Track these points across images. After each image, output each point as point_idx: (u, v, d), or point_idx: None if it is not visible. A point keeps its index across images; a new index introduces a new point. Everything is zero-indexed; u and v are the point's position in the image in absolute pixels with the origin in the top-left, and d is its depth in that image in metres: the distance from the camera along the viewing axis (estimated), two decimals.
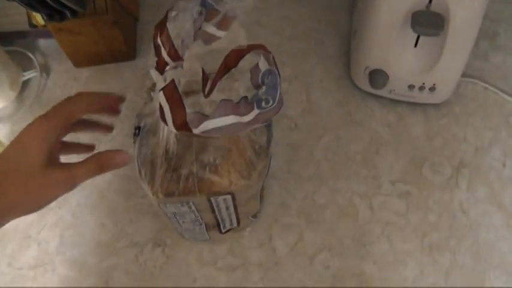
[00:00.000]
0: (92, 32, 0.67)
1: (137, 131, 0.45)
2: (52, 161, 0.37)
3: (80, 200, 0.63)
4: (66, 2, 0.58)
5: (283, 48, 0.73)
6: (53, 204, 0.59)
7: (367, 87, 0.66)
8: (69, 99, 0.38)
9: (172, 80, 0.36)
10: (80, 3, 0.62)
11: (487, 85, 0.71)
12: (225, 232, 0.55)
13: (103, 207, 0.63)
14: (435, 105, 0.69)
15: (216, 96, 0.38)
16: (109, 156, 0.39)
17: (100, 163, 0.38)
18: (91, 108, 0.40)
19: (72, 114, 0.38)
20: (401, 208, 0.62)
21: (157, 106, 0.37)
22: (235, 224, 0.54)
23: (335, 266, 0.59)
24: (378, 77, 0.63)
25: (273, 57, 0.38)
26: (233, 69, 0.37)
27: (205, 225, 0.52)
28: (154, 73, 0.39)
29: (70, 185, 0.37)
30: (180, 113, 0.36)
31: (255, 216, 0.56)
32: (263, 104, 0.36)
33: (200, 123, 0.36)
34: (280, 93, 0.36)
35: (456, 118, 0.69)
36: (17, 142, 0.37)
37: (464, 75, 0.70)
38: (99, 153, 0.39)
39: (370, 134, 0.66)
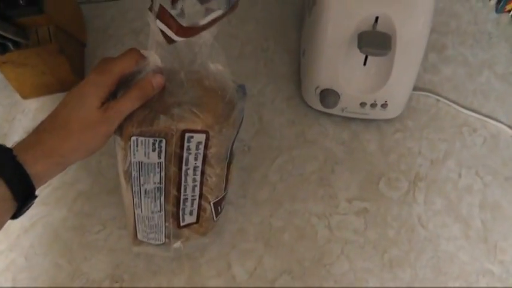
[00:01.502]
0: (38, 63, 0.70)
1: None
2: (104, 106, 0.48)
3: (33, 241, 0.66)
4: (6, 34, 0.62)
5: (232, 69, 0.78)
6: (4, 246, 0.62)
7: (319, 107, 0.71)
8: (120, 56, 0.49)
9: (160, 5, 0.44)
10: (21, 34, 0.66)
11: (438, 97, 0.78)
12: (184, 227, 0.58)
13: (57, 246, 0.66)
14: (389, 120, 0.75)
15: None
16: (147, 82, 0.49)
17: (142, 91, 0.49)
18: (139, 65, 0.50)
19: (122, 70, 0.49)
20: (359, 226, 0.67)
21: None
22: (194, 216, 0.57)
23: None
24: (329, 96, 0.69)
25: None
26: None
27: (165, 211, 0.55)
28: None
29: (120, 118, 0.49)
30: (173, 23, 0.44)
31: (216, 209, 0.59)
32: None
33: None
34: None
35: (410, 132, 0.75)
36: (76, 92, 0.48)
37: (415, 88, 0.77)
38: (138, 82, 0.49)
39: (324, 153, 0.72)
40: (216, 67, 0.52)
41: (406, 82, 0.69)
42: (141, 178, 0.53)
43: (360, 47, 0.61)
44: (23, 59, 0.69)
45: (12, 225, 0.64)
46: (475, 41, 0.84)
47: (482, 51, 0.83)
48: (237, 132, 0.55)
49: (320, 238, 0.66)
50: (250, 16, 0.84)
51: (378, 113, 0.71)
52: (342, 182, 0.70)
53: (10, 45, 0.65)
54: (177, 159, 0.52)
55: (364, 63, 0.66)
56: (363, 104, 0.69)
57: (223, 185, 0.58)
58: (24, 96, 0.77)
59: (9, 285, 0.63)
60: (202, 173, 0.54)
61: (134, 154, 0.51)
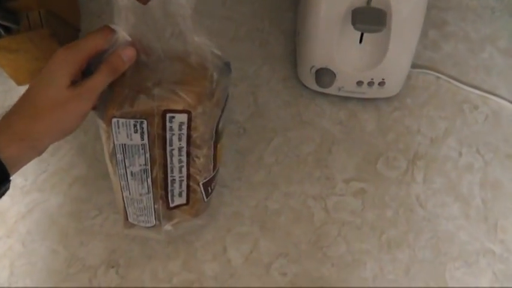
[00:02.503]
0: (30, 48, 0.71)
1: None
2: (74, 83, 0.47)
3: (30, 227, 0.68)
4: None
5: (227, 51, 0.78)
6: (1, 233, 0.64)
7: (315, 87, 0.72)
8: (90, 33, 0.49)
9: None
10: (11, 18, 0.66)
11: (439, 74, 0.78)
12: (173, 208, 0.59)
13: (54, 232, 0.67)
14: (387, 99, 0.75)
15: None
16: (117, 56, 0.49)
17: (112, 66, 0.49)
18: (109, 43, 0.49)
19: (92, 47, 0.49)
20: (357, 207, 0.68)
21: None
22: (184, 197, 0.58)
23: (292, 272, 0.64)
24: (324, 76, 0.69)
25: None
26: None
27: (153, 194, 0.57)
28: None
29: (93, 95, 0.48)
30: None
31: (206, 190, 0.60)
32: None
33: None
34: None
35: (409, 110, 0.75)
36: (44, 70, 0.48)
37: (415, 66, 0.77)
38: (108, 57, 0.49)
39: (321, 134, 0.73)
40: (199, 41, 0.52)
41: (403, 59, 0.69)
42: (126, 160, 0.54)
43: (353, 23, 0.61)
44: (15, 44, 0.70)
45: (10, 212, 0.66)
46: (477, 16, 0.83)
47: (485, 26, 0.82)
48: (222, 111, 0.56)
49: (316, 220, 0.67)
50: None
51: (375, 92, 0.71)
52: (339, 162, 0.70)
53: (1, 31, 0.66)
54: (161, 141, 0.53)
55: (360, 41, 0.66)
56: (359, 83, 0.70)
57: (212, 166, 0.58)
58: (19, 83, 0.78)
59: (7, 272, 0.65)
60: (188, 153, 0.55)
61: (117, 136, 0.52)
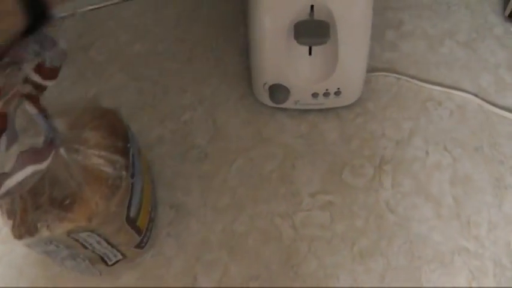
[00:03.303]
0: None
1: None
2: None
3: None
4: None
5: (182, 74, 0.81)
6: None
7: (271, 103, 0.73)
8: None
9: None
10: None
11: (399, 75, 0.80)
12: (113, 264, 0.61)
13: (23, 283, 0.68)
14: (348, 106, 0.77)
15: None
16: None
17: None
18: None
19: None
20: (325, 220, 0.69)
21: None
22: (120, 257, 0.60)
23: None
24: (277, 91, 0.70)
25: (38, 98, 0.45)
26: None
27: (89, 260, 0.58)
28: None
29: None
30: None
31: (139, 247, 0.62)
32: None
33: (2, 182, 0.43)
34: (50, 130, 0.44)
35: (371, 115, 0.77)
36: None
37: (373, 69, 0.79)
38: None
39: (283, 149, 0.74)
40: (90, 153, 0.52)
41: (356, 66, 0.71)
42: (53, 255, 0.57)
43: (296, 38, 0.62)
44: None
45: None
46: (434, 13, 0.85)
47: (442, 21, 0.84)
48: (131, 196, 0.56)
49: (285, 238, 0.67)
50: (197, 17, 0.86)
51: (333, 101, 0.73)
52: (303, 177, 0.71)
53: None
54: (79, 245, 0.55)
55: (310, 53, 0.68)
56: (315, 95, 0.71)
57: (137, 235, 0.60)
58: None
59: None
60: (107, 241, 0.56)
61: (34, 248, 0.54)
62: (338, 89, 0.71)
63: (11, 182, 0.45)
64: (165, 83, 0.80)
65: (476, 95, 0.78)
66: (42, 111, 0.46)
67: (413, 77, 0.79)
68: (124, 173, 0.54)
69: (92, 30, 0.86)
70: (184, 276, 0.66)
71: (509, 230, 0.68)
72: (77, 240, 0.54)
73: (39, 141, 0.45)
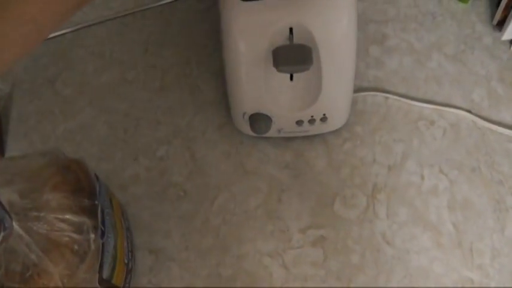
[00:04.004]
0: None
1: None
2: None
3: None
4: None
5: (155, 104, 0.77)
6: None
7: (252, 133, 0.70)
8: None
9: None
10: None
11: (387, 94, 0.77)
12: None
13: None
14: (335, 131, 0.74)
15: None
16: None
17: None
18: None
19: None
20: (318, 257, 0.66)
21: None
22: None
23: None
24: (258, 121, 0.67)
25: None
26: None
27: None
28: None
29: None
30: None
31: None
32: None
33: None
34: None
35: (360, 139, 0.74)
36: None
37: (359, 89, 0.76)
38: None
39: (268, 182, 0.71)
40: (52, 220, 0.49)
41: (342, 90, 0.68)
42: None
43: (275, 65, 0.59)
44: None
45: None
46: (419, 24, 0.83)
47: (428, 34, 0.82)
48: (102, 257, 0.52)
49: (276, 279, 0.65)
50: (167, 39, 0.83)
51: (319, 128, 0.70)
52: (291, 211, 0.68)
53: None
54: None
55: (291, 79, 0.65)
56: (299, 122, 0.68)
57: None
58: None
59: None
60: None
61: None
62: (324, 115, 0.68)
63: None
64: (137, 115, 0.77)
65: (469, 111, 0.76)
66: None
67: (402, 96, 0.77)
68: (92, 235, 0.51)
69: (57, 60, 0.83)
70: None
71: None
72: None
73: None
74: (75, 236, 0.50)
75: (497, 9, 0.80)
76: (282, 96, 0.66)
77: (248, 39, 0.62)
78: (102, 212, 0.53)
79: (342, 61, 0.64)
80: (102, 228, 0.52)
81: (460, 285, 0.64)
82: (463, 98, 0.77)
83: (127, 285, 0.60)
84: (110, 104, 0.78)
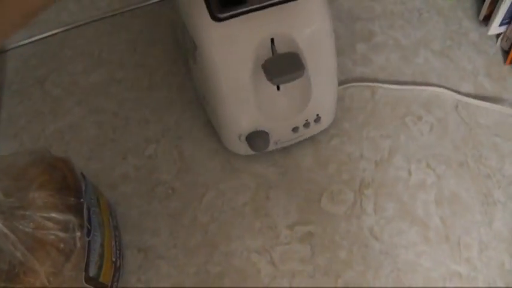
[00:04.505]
0: None
1: None
2: None
3: None
4: None
5: (143, 103, 0.76)
6: None
7: (251, 152, 0.69)
8: None
9: None
10: None
11: (373, 89, 0.76)
12: None
13: None
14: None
15: None
16: None
17: None
18: None
19: None
20: (305, 253, 0.65)
21: None
22: None
23: None
24: (257, 139, 0.65)
25: None
26: None
27: None
28: None
29: None
30: None
31: None
32: None
33: None
34: None
35: (348, 135, 0.73)
36: None
37: (346, 85, 0.75)
38: None
39: (255, 180, 0.70)
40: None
41: (330, 87, 0.67)
42: None
43: (270, 79, 0.56)
44: None
45: None
46: (405, 21, 0.82)
47: (415, 30, 0.81)
48: (88, 256, 0.52)
49: (264, 276, 0.64)
50: (155, 38, 0.83)
51: (313, 129, 0.69)
52: (279, 208, 0.67)
53: None
54: None
55: (278, 88, 0.63)
56: (295, 129, 0.67)
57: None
58: None
59: None
60: None
61: None
62: (317, 115, 0.67)
63: None
64: (126, 115, 0.76)
65: (456, 107, 0.74)
66: None
67: (389, 91, 0.75)
68: (78, 233, 0.50)
69: (47, 60, 0.82)
70: None
71: (502, 249, 0.65)
72: None
73: None
74: (60, 234, 0.49)
75: (483, 4, 0.79)
76: (275, 108, 0.64)
77: (230, 63, 0.59)
78: (88, 210, 0.52)
79: (326, 58, 0.63)
80: (88, 226, 0.51)
81: (448, 280, 0.63)
82: (450, 93, 0.76)
83: (115, 283, 0.59)
84: (99, 104, 0.78)
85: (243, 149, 0.68)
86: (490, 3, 0.77)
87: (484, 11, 0.80)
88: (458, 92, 0.75)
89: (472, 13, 0.82)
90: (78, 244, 0.49)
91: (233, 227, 0.67)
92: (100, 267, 0.54)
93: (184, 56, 0.74)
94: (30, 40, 0.84)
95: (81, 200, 0.51)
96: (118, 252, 0.61)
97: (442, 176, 0.70)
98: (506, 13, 0.75)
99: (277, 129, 0.66)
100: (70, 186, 0.52)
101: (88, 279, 0.52)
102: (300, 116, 0.66)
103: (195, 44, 0.58)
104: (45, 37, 0.84)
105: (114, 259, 0.58)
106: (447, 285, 0.63)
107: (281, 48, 0.58)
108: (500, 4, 0.74)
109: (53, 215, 0.49)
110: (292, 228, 0.66)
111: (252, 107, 0.62)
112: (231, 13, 0.56)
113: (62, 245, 0.48)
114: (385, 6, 0.83)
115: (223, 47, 0.57)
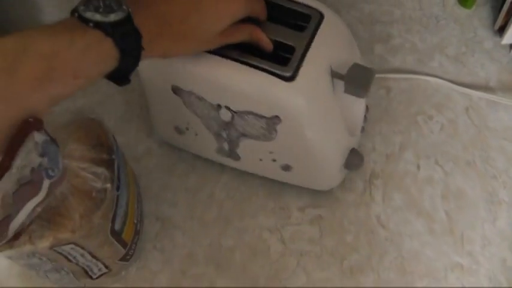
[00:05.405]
0: None
1: None
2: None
3: None
4: None
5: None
6: None
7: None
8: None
9: None
10: None
11: (388, 88, 0.76)
12: (98, 278, 0.57)
13: None
14: None
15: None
16: (259, 34, 0.52)
17: (251, 36, 0.52)
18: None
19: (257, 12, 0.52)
20: (314, 235, 0.65)
21: None
22: (104, 270, 0.56)
23: None
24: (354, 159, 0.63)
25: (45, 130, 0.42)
26: None
27: (73, 273, 0.54)
28: None
29: (221, 43, 0.51)
30: None
31: (124, 259, 0.58)
32: (50, 172, 0.41)
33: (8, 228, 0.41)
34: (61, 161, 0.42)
35: None
36: (218, 4, 0.48)
37: None
38: (253, 28, 0.52)
39: None
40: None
41: None
42: (37, 268, 0.53)
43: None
44: None
45: None
46: (422, 27, 0.82)
47: (431, 36, 0.81)
48: (116, 209, 0.53)
49: (273, 253, 0.63)
50: None
51: None
52: (292, 191, 0.68)
53: None
54: (63, 258, 0.52)
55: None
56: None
57: (121, 249, 0.57)
58: None
59: None
60: (91, 253, 0.53)
61: (16, 261, 0.51)
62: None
63: (16, 222, 0.42)
64: None
65: (467, 109, 0.74)
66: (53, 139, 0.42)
67: (403, 91, 0.75)
68: (109, 185, 0.51)
69: None
70: None
71: (505, 246, 0.64)
72: (60, 253, 0.51)
73: (26, 172, 0.41)
74: (93, 184, 0.50)
75: (499, 14, 0.79)
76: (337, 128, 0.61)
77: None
78: (118, 168, 0.53)
79: None
80: (118, 182, 0.52)
81: (449, 270, 0.63)
82: (461, 96, 0.76)
83: (134, 245, 0.59)
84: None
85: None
86: (506, 14, 0.77)
87: (500, 21, 0.79)
88: (470, 96, 0.74)
89: (488, 23, 0.82)
90: (108, 196, 0.50)
91: (247, 205, 0.67)
92: (123, 224, 0.55)
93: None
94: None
95: (113, 156, 0.52)
96: (139, 216, 0.61)
97: (450, 173, 0.69)
98: None
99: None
100: (103, 144, 0.53)
101: (113, 232, 0.53)
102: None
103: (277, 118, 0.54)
104: None
105: (135, 221, 0.59)
106: (448, 275, 0.62)
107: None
108: None
109: (88, 166, 0.50)
110: (303, 210, 0.66)
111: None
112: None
113: (94, 194, 0.50)
114: (404, 11, 0.83)
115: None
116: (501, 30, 0.79)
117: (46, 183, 0.41)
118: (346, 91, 0.54)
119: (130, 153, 0.70)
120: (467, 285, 0.62)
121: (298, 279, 0.62)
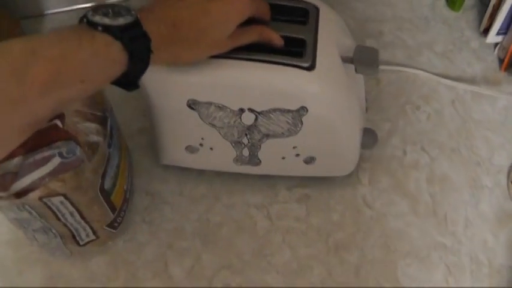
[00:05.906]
0: None
1: None
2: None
3: None
4: None
5: None
6: None
7: None
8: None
9: None
10: None
11: (378, 79, 0.77)
12: (85, 244, 0.56)
13: None
14: None
15: None
16: (269, 32, 0.51)
17: (261, 36, 0.51)
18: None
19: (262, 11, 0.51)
20: (301, 213, 0.64)
21: None
22: (92, 236, 0.56)
23: (236, 283, 0.60)
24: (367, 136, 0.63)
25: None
26: None
27: (60, 236, 0.54)
28: None
29: (231, 46, 0.49)
30: None
31: (112, 226, 0.57)
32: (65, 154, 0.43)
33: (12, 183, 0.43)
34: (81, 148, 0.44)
35: None
36: (224, 6, 0.46)
37: None
38: (261, 27, 0.50)
39: None
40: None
41: None
42: (25, 225, 0.53)
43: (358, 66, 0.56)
44: None
45: None
46: (413, 26, 0.83)
47: (421, 34, 0.82)
48: (105, 169, 0.52)
49: (260, 229, 0.63)
50: None
51: None
52: None
53: None
54: (52, 214, 0.51)
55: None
56: None
57: (110, 212, 0.57)
58: None
59: None
60: (80, 212, 0.53)
61: (5, 213, 0.51)
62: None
63: (20, 184, 0.44)
64: None
65: (452, 101, 0.74)
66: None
67: (392, 82, 0.75)
68: (101, 139, 0.51)
69: None
70: (155, 263, 0.61)
71: (486, 228, 0.64)
72: (49, 208, 0.50)
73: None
74: (86, 138, 0.50)
75: (483, 17, 0.80)
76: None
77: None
78: (111, 127, 0.53)
79: None
80: (110, 140, 0.52)
81: (432, 249, 0.62)
82: (448, 89, 0.76)
83: (122, 212, 0.59)
84: None
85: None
86: (490, 17, 0.78)
87: (484, 23, 0.80)
88: (456, 89, 0.75)
89: (475, 25, 0.83)
90: (100, 150, 0.50)
91: (236, 182, 0.66)
92: (113, 186, 0.54)
93: None
94: (71, 8, 0.85)
95: (106, 114, 0.52)
96: (129, 185, 0.61)
97: (435, 158, 0.69)
98: (502, 23, 0.76)
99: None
100: (98, 103, 0.53)
101: (102, 190, 0.52)
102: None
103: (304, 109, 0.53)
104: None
105: (125, 188, 0.58)
106: (431, 254, 0.61)
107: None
108: (498, 14, 0.75)
109: (81, 120, 0.50)
110: (291, 189, 0.66)
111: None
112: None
113: (86, 148, 0.50)
114: (395, 11, 0.84)
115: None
116: (486, 32, 0.80)
117: (56, 160, 0.43)
118: (358, 71, 0.55)
119: (124, 131, 0.69)
120: (449, 264, 0.61)
121: (283, 254, 0.61)
